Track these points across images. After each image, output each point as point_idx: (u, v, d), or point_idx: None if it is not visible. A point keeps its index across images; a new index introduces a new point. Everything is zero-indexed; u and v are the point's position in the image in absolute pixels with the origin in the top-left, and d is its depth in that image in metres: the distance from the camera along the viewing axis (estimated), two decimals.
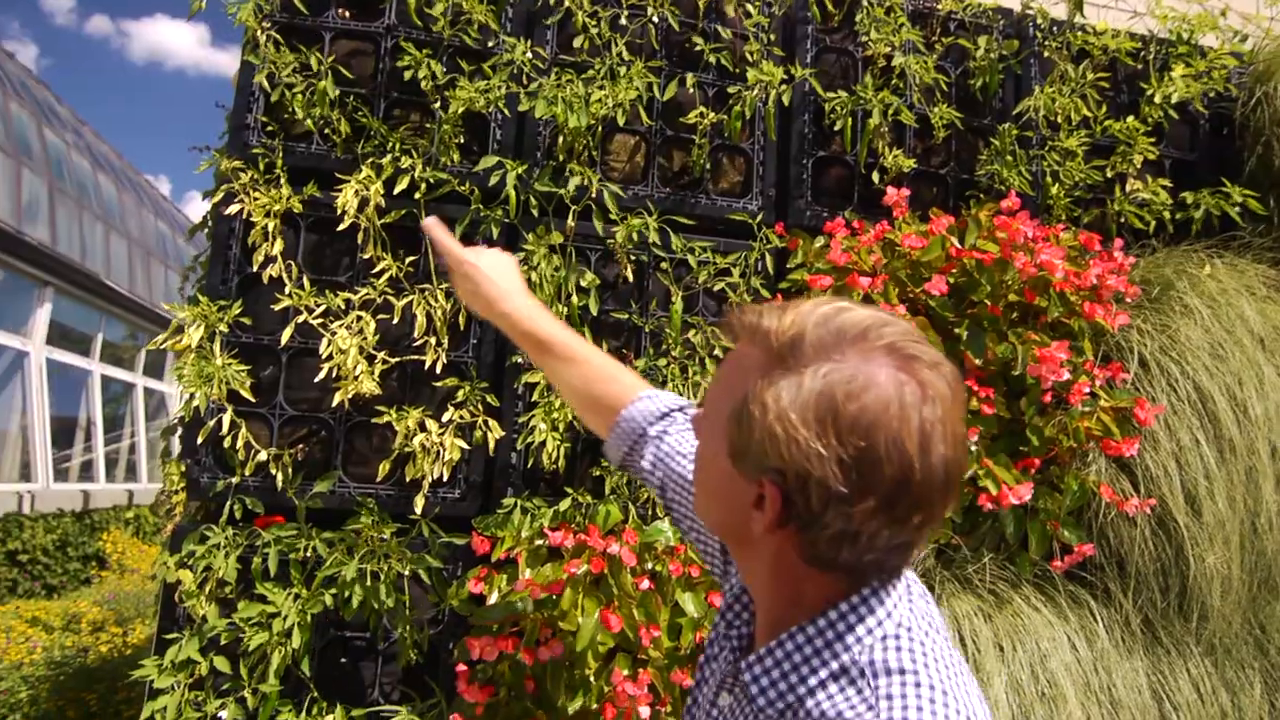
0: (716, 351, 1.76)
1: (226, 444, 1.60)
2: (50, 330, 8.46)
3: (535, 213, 1.75)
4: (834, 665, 0.68)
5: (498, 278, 1.15)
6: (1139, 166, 2.10)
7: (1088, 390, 1.70)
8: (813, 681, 0.68)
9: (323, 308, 1.62)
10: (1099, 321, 1.76)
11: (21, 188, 8.08)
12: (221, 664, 1.50)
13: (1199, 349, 1.79)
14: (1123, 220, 2.06)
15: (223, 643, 1.51)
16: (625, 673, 1.51)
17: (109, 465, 9.59)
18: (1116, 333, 1.80)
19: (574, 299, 1.73)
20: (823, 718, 0.66)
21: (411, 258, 1.70)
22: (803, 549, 0.67)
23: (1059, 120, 2.06)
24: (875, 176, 1.95)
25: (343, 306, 1.63)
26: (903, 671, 0.66)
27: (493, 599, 1.57)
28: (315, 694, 1.56)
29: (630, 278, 1.79)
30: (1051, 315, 1.76)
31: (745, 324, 0.70)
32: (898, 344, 0.65)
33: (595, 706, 1.47)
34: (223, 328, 1.62)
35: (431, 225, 1.18)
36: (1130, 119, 2.08)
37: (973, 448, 1.65)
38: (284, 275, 1.65)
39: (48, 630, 5.44)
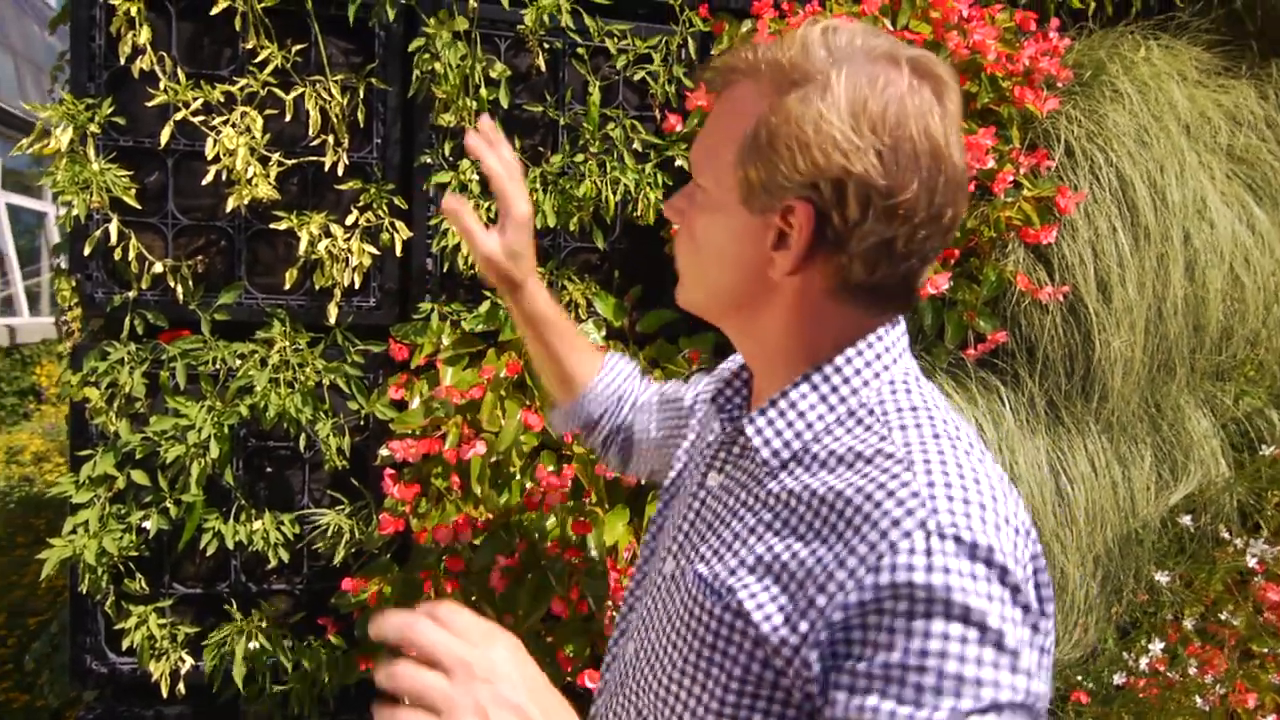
0: (636, 145, 1.68)
1: (117, 256, 1.51)
2: None
3: None
4: (841, 410, 0.67)
5: (524, 247, 1.01)
6: None
7: (1011, 179, 1.67)
8: (819, 426, 0.67)
9: (200, 101, 1.48)
10: (1029, 107, 1.71)
11: None
12: (140, 477, 1.49)
13: (1125, 135, 1.77)
14: None
15: (139, 457, 1.49)
16: (550, 468, 1.54)
17: (31, 300, 9.23)
18: (1045, 119, 1.76)
19: (483, 91, 1.61)
20: (831, 456, 0.65)
21: (300, 46, 1.55)
22: (832, 277, 0.65)
23: None
24: None
25: (223, 100, 1.49)
26: (914, 409, 0.65)
27: (414, 404, 1.57)
28: (243, 502, 1.57)
29: (543, 67, 1.67)
30: (981, 101, 1.70)
31: (738, 63, 0.67)
32: (895, 51, 0.64)
33: (519, 500, 1.51)
34: (94, 128, 1.48)
35: (454, 209, 1.00)
36: None
37: None
38: (157, 69, 1.50)
39: None
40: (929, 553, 0.56)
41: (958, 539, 0.56)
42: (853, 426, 0.66)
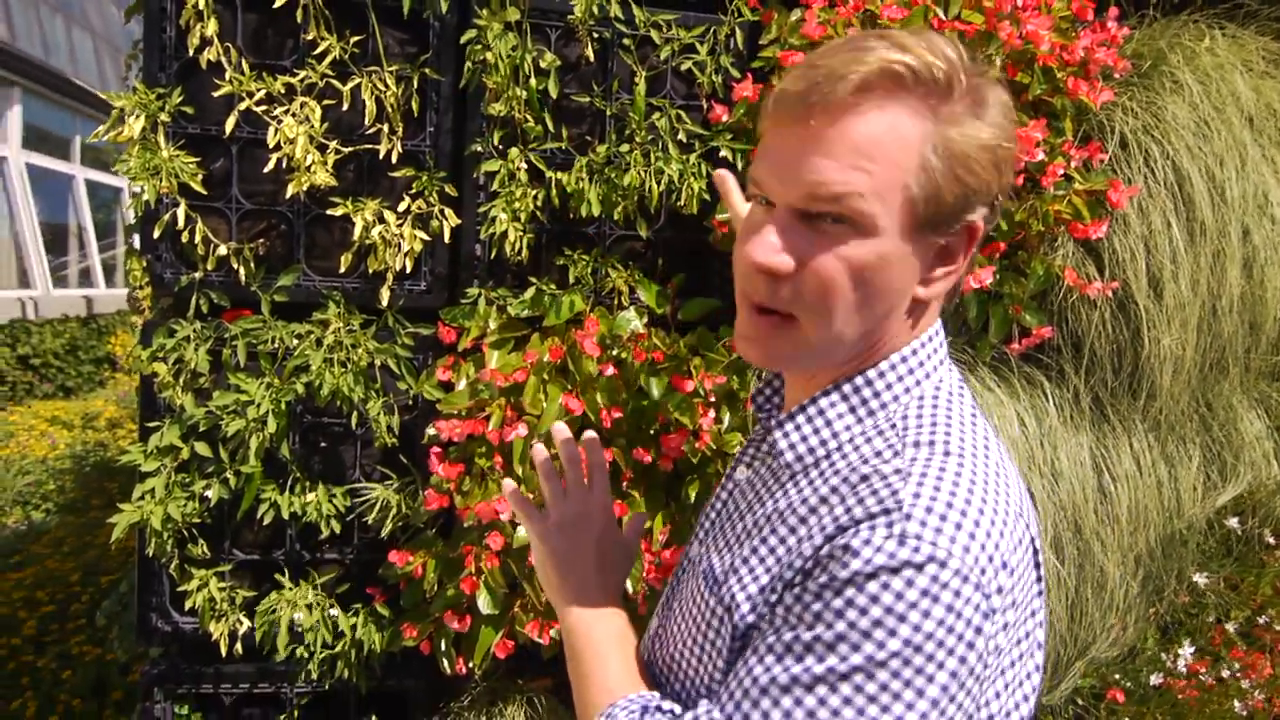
0: (681, 135, 1.70)
1: (185, 238, 1.59)
2: (26, 133, 8.18)
3: None
4: (869, 422, 0.68)
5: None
6: None
7: (1062, 172, 1.65)
8: (844, 436, 0.68)
9: (263, 91, 1.54)
10: (1082, 99, 1.68)
11: None
12: (203, 449, 1.57)
13: (1183, 128, 1.72)
14: None
15: (202, 429, 1.58)
16: None
17: (107, 272, 9.62)
18: (1099, 110, 1.72)
19: (532, 81, 1.65)
20: (847, 465, 0.66)
21: (357, 37, 1.60)
22: (954, 281, 0.68)
23: None
24: None
25: (283, 91, 1.56)
26: (935, 425, 0.66)
27: (460, 386, 1.63)
28: (298, 474, 1.65)
29: (592, 57, 1.70)
30: (1034, 92, 1.68)
31: (884, 73, 0.61)
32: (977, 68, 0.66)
33: None
34: (164, 117, 1.56)
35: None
36: None
37: None
38: (223, 59, 1.56)
39: (68, 428, 5.69)
40: (879, 549, 0.57)
41: (916, 549, 0.56)
42: (873, 437, 0.67)
